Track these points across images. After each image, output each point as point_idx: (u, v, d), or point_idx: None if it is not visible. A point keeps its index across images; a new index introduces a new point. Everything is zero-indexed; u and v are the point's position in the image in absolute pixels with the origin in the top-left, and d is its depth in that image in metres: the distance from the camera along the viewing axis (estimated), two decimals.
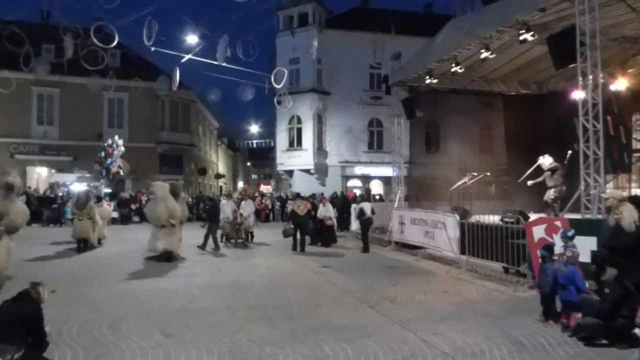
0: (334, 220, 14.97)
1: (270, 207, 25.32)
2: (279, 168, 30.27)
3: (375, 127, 29.26)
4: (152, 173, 26.41)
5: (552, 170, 11.26)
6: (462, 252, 9.85)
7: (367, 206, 13.86)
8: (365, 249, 13.03)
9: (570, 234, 6.19)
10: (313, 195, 19.17)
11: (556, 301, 5.86)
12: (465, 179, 13.30)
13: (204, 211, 20.63)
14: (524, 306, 6.66)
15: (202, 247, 13.03)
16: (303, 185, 26.28)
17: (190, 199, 21.96)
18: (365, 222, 13.44)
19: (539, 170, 11.66)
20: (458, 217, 10.28)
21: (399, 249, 13.14)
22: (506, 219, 9.68)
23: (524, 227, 8.22)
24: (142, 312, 6.51)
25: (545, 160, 11.51)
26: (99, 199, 14.33)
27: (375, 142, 29.30)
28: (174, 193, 12.81)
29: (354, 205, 16.78)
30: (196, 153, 34.97)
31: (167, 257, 11.09)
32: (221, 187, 43.55)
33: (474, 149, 20.92)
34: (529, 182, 11.72)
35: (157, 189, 11.74)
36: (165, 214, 11.23)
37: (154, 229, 11.39)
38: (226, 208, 13.89)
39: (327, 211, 14.32)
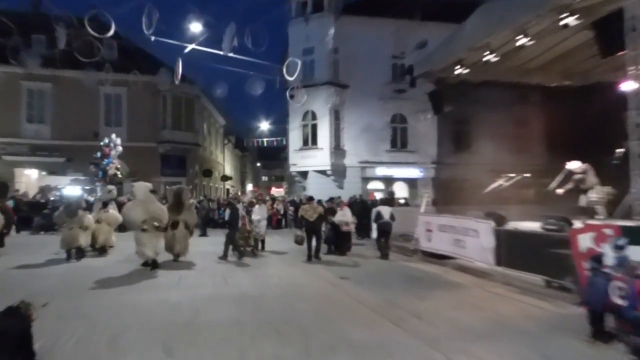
0: (351, 226, 14.96)
1: (282, 212, 25.32)
2: (292, 169, 30.27)
3: (399, 124, 29.08)
4: (153, 175, 26.61)
5: (584, 172, 11.16)
6: (498, 263, 9.73)
7: (385, 210, 13.94)
8: (383, 256, 13.02)
9: (621, 243, 6.04)
10: (331, 199, 19.15)
11: (605, 320, 5.74)
12: (501, 181, 13.19)
13: (205, 216, 20.88)
14: (568, 325, 6.53)
15: (225, 256, 13.17)
16: (318, 187, 26.24)
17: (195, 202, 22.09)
18: (384, 226, 13.44)
19: (570, 178, 11.52)
20: (494, 224, 10.16)
21: (425, 258, 13.06)
22: (548, 226, 9.53)
23: (568, 235, 8.08)
24: (143, 327, 6.56)
25: (574, 165, 11.39)
26: (104, 204, 14.50)
27: (399, 140, 29.11)
28: (179, 199, 12.92)
29: (374, 210, 16.77)
30: (201, 153, 35.26)
31: (154, 264, 11.27)
32: (228, 190, 43.81)
33: (508, 147, 20.70)
34: (559, 191, 11.56)
35: (137, 189, 11.83)
36: (142, 217, 11.30)
37: (138, 234, 11.46)
38: None
39: (343, 216, 14.33)
